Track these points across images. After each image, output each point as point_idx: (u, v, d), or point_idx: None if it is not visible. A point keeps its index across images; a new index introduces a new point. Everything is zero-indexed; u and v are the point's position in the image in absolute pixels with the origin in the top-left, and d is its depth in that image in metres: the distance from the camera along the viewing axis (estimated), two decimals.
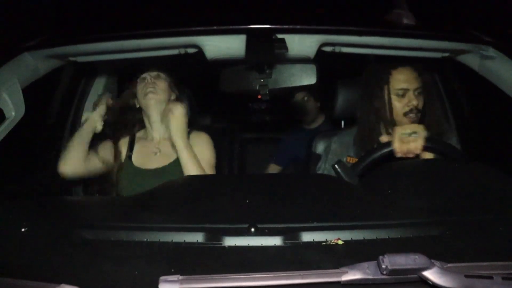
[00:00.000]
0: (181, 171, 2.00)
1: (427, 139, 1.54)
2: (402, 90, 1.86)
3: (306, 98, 3.33)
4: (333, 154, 2.09)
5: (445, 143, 1.61)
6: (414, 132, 1.53)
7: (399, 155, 1.55)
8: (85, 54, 1.76)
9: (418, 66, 1.88)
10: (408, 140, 1.53)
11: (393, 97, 1.88)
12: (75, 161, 2.03)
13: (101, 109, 2.17)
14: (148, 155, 2.13)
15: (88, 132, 2.10)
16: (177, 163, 2.01)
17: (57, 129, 2.35)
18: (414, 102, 1.84)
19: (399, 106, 1.87)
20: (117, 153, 2.14)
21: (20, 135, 1.62)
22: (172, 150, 2.07)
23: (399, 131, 1.56)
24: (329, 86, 2.35)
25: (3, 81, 1.51)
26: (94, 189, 2.45)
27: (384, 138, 1.61)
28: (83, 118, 2.18)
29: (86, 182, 2.41)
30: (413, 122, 1.85)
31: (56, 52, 1.69)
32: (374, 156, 1.55)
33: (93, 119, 2.14)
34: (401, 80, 1.87)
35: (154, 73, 2.13)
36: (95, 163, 2.09)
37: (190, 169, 1.93)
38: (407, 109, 1.85)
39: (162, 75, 2.14)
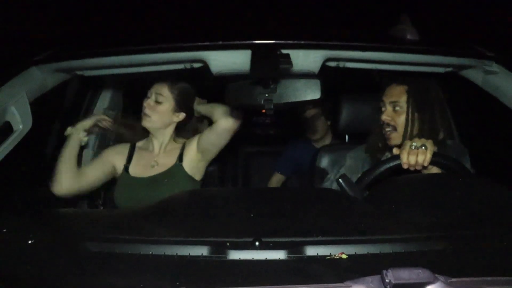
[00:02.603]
0: (171, 180, 2.11)
1: (435, 154, 1.55)
2: (382, 103, 1.92)
3: (316, 115, 3.27)
4: (347, 169, 2.08)
5: (453, 158, 1.62)
6: (423, 145, 1.54)
7: (405, 166, 1.55)
8: (91, 68, 1.79)
9: (410, 83, 1.88)
10: (416, 153, 1.53)
11: (380, 112, 1.95)
12: (67, 179, 2.02)
13: (86, 123, 2.14)
14: (145, 166, 2.17)
15: (73, 147, 2.08)
16: (168, 172, 2.12)
17: (63, 142, 2.37)
18: (383, 117, 1.89)
19: (380, 120, 1.93)
20: (111, 163, 2.18)
21: (27, 148, 1.63)
22: (168, 161, 2.16)
23: (408, 143, 1.57)
24: (334, 100, 2.37)
25: (11, 94, 1.53)
26: (97, 201, 2.48)
27: (396, 151, 1.62)
28: (66, 132, 2.14)
29: (90, 195, 2.42)
30: (388, 137, 1.90)
31: (64, 66, 1.72)
32: (380, 169, 1.55)
33: (77, 132, 2.10)
34: (384, 95, 1.92)
35: (160, 91, 2.12)
36: (91, 177, 2.11)
37: (219, 110, 2.09)
38: (381, 122, 1.91)
39: (169, 95, 2.13)
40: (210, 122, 2.19)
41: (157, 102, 2.11)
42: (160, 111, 2.12)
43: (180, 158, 2.16)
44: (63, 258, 1.02)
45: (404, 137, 1.84)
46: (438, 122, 1.86)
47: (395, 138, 1.87)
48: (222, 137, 2.11)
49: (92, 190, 2.19)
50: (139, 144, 2.24)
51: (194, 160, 2.17)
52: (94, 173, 2.13)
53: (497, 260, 0.98)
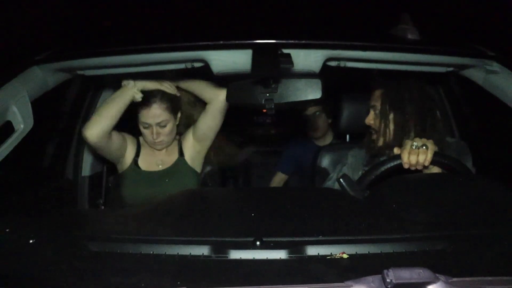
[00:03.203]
0: (177, 174, 2.16)
1: (436, 153, 1.55)
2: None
3: (318, 113, 3.27)
4: (349, 167, 2.10)
5: (453, 158, 1.62)
6: (424, 145, 1.54)
7: (406, 166, 1.55)
8: (92, 67, 1.78)
9: (383, 86, 1.94)
10: (417, 152, 1.53)
11: None
12: (104, 127, 1.96)
13: (148, 84, 2.07)
14: (151, 163, 2.20)
15: (124, 99, 2.02)
16: (173, 167, 2.18)
17: (64, 142, 2.37)
18: (366, 120, 1.96)
19: None
20: (125, 147, 2.18)
21: (28, 147, 1.63)
22: (171, 157, 2.21)
23: (409, 143, 1.57)
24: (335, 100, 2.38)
25: (12, 94, 1.53)
26: (98, 201, 2.48)
27: (397, 150, 1.62)
28: (124, 83, 2.05)
29: (91, 193, 2.43)
30: (373, 139, 1.96)
31: (65, 65, 1.71)
32: (381, 169, 1.55)
33: (135, 87, 2.03)
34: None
35: (158, 119, 2.06)
36: (114, 143, 2.08)
37: (209, 90, 2.11)
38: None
39: (165, 114, 2.07)
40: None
41: (161, 127, 2.10)
42: (168, 131, 2.13)
43: (181, 152, 2.22)
44: (64, 257, 1.02)
45: (383, 139, 1.90)
46: (410, 122, 1.87)
47: (377, 140, 1.93)
48: (217, 118, 2.15)
49: (108, 155, 2.15)
50: (142, 141, 2.26)
51: (194, 152, 2.22)
52: (118, 141, 2.10)
53: (498, 260, 0.98)
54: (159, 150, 2.19)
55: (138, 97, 2.05)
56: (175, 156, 2.21)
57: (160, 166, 2.18)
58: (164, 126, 2.09)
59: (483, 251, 1.02)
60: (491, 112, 2.02)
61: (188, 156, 2.20)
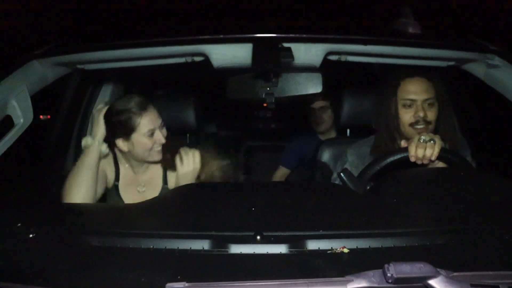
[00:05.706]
0: None
1: (443, 149, 1.54)
2: (409, 101, 1.83)
3: (324, 107, 3.26)
4: (350, 166, 2.01)
5: (459, 155, 1.61)
6: (432, 139, 1.53)
7: (413, 159, 1.55)
8: (92, 62, 1.78)
9: (432, 76, 1.84)
10: (424, 146, 1.53)
11: (400, 108, 1.86)
12: (81, 194, 1.79)
13: (101, 130, 1.85)
14: (132, 186, 2.01)
15: (93, 160, 1.83)
16: (162, 192, 1.97)
17: (64, 136, 2.37)
18: (421, 113, 1.80)
19: (405, 117, 1.85)
20: (105, 173, 1.98)
21: (29, 141, 1.63)
22: (153, 181, 2.01)
23: (417, 136, 1.56)
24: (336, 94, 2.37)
25: (12, 88, 1.52)
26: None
27: (404, 143, 1.61)
28: (84, 143, 1.86)
29: None
30: (421, 132, 1.78)
31: (64, 60, 1.71)
32: (387, 161, 1.55)
33: (97, 143, 1.85)
34: (408, 91, 1.84)
35: (158, 121, 1.87)
36: (98, 192, 1.89)
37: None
38: (413, 120, 1.82)
39: (159, 119, 1.88)
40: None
41: (162, 127, 1.91)
42: (165, 133, 1.93)
43: (165, 180, 2.02)
44: (64, 251, 1.02)
45: (436, 132, 1.79)
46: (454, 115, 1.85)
47: (426, 131, 1.80)
48: None
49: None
50: (119, 157, 2.03)
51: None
52: (99, 188, 1.91)
53: (498, 255, 0.97)
54: (156, 160, 1.96)
55: (104, 149, 1.88)
56: (158, 182, 2.01)
57: (142, 192, 1.99)
58: (164, 126, 1.92)
59: (484, 246, 1.02)
60: (492, 106, 2.02)
61: (171, 186, 1.99)
